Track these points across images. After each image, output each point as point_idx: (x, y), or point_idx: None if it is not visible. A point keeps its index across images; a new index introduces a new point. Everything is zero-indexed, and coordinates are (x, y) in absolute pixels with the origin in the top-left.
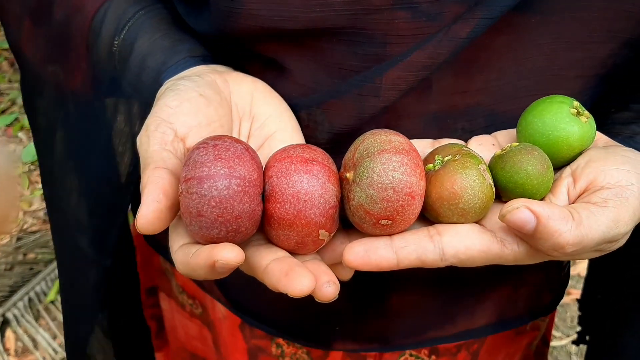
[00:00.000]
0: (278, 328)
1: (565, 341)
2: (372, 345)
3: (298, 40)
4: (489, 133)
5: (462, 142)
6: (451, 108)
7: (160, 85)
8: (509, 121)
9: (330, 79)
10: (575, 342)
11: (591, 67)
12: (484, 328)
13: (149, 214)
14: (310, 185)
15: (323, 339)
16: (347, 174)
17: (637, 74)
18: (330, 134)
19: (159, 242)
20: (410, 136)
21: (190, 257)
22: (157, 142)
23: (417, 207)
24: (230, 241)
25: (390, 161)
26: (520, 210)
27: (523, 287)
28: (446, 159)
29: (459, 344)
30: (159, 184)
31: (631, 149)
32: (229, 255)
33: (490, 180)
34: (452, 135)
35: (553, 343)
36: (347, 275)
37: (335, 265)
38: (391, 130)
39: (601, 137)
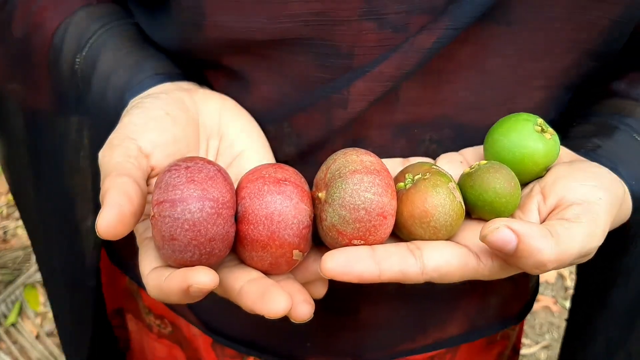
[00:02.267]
0: (249, 346)
1: (535, 348)
2: None
3: (264, 52)
4: (457, 143)
5: (431, 161)
6: (418, 118)
7: (125, 104)
8: (476, 132)
9: (297, 91)
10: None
11: (555, 77)
12: (455, 338)
13: (111, 217)
14: (283, 206)
15: (295, 355)
16: (319, 194)
17: (598, 84)
18: (298, 146)
19: (124, 259)
20: (379, 146)
21: (163, 281)
22: (120, 154)
23: (389, 226)
24: (204, 264)
25: (362, 182)
26: (501, 230)
27: (493, 296)
28: (416, 177)
29: (432, 355)
30: (122, 189)
31: (595, 163)
32: (203, 279)
33: (460, 198)
34: (420, 146)
35: (523, 351)
36: (321, 293)
37: (308, 283)
38: (362, 150)
39: (566, 153)
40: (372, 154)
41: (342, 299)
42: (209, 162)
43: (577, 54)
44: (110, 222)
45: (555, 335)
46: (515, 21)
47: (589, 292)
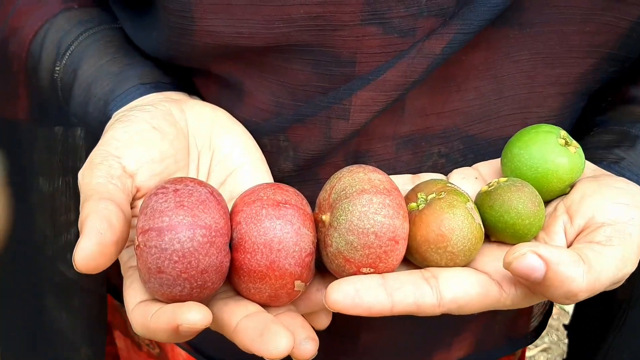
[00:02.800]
0: None
1: (534, 351)
2: None
3: (258, 59)
4: (467, 157)
5: (443, 177)
6: (426, 130)
7: (108, 116)
8: (487, 144)
9: (294, 101)
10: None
11: (571, 84)
12: None
13: (90, 248)
14: (283, 232)
15: None
16: (323, 216)
17: (614, 89)
18: (296, 160)
19: (110, 280)
20: (383, 161)
21: (150, 318)
22: (101, 174)
23: (401, 252)
24: (195, 298)
25: (371, 203)
26: (527, 256)
27: (501, 316)
28: (430, 197)
29: None
30: (103, 214)
31: (622, 178)
32: (194, 317)
33: (479, 220)
34: (428, 160)
35: None
36: (324, 324)
37: (310, 314)
38: (369, 167)
39: (588, 165)
40: (380, 172)
41: (342, 321)
42: (200, 183)
43: (594, 59)
44: (89, 253)
45: (554, 338)
46: (529, 24)
47: (602, 313)
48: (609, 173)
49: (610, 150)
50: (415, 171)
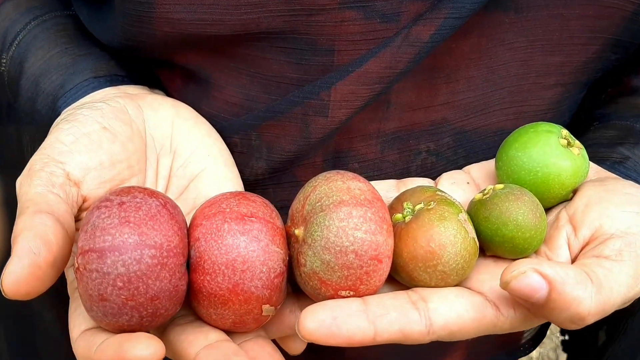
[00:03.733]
0: None
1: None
2: None
3: (226, 49)
4: (458, 154)
5: (432, 183)
6: (413, 126)
7: (58, 114)
8: (480, 140)
9: (267, 95)
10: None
11: (571, 73)
12: None
13: (20, 271)
14: (248, 250)
15: None
16: (296, 231)
17: (617, 81)
18: (269, 162)
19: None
20: (366, 161)
21: (95, 352)
22: (41, 183)
23: (384, 271)
24: (146, 327)
25: (350, 217)
26: (528, 275)
27: None
28: (418, 207)
29: None
30: (38, 231)
31: (630, 182)
32: (143, 352)
33: (473, 234)
34: (416, 159)
35: None
36: (299, 349)
37: (283, 338)
38: (349, 173)
39: (590, 166)
40: (361, 179)
41: None
42: (152, 193)
43: (597, 45)
44: (19, 277)
45: (546, 332)
46: (526, 8)
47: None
48: (615, 175)
49: (614, 148)
50: (402, 171)
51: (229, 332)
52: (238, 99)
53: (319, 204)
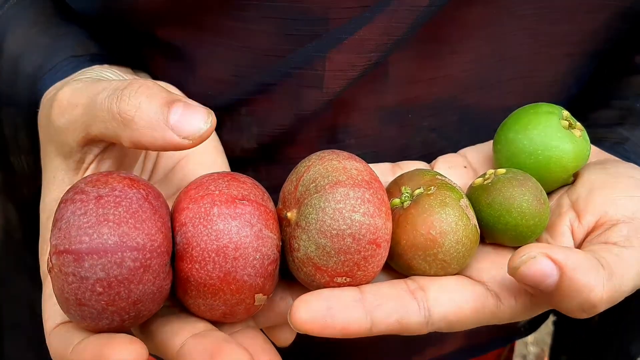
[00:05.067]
0: None
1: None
2: None
3: (211, 20)
4: (461, 130)
5: (428, 167)
6: (414, 100)
7: (39, 96)
8: (484, 116)
9: (255, 67)
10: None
11: (580, 43)
12: (454, 353)
13: None
14: (241, 235)
15: None
16: (288, 214)
17: (624, 54)
18: (260, 139)
19: None
20: (364, 137)
21: (70, 353)
22: None
23: (382, 257)
24: (127, 329)
25: (348, 198)
26: (538, 260)
27: None
28: (417, 191)
29: None
30: None
31: (632, 165)
32: (125, 357)
33: (474, 220)
34: (417, 136)
35: None
36: (289, 340)
37: (272, 328)
38: (344, 153)
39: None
40: (358, 159)
41: None
42: (131, 183)
43: (606, 13)
44: None
45: (548, 317)
46: None
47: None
48: (615, 158)
49: (613, 129)
50: (402, 148)
51: (216, 324)
52: (225, 75)
53: (314, 184)
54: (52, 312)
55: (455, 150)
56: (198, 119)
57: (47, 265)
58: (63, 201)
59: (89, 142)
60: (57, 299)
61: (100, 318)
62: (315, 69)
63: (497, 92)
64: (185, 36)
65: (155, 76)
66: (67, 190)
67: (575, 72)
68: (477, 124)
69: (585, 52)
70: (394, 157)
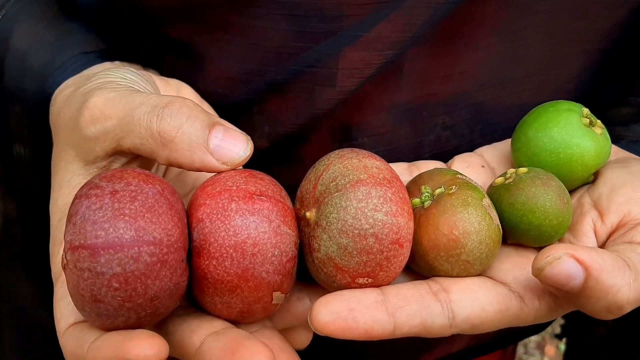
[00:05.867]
0: None
1: None
2: None
3: (220, 18)
4: (474, 129)
5: (445, 166)
6: (428, 97)
7: (48, 95)
8: (498, 113)
9: (267, 66)
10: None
11: (595, 40)
12: (463, 352)
13: None
14: (259, 231)
15: None
16: (307, 213)
17: (632, 54)
18: (272, 138)
19: None
20: (377, 135)
21: (87, 351)
22: None
23: (405, 257)
24: (143, 326)
25: (370, 197)
26: (564, 261)
27: None
28: (438, 191)
29: None
30: None
31: None
32: (147, 352)
33: (497, 220)
34: (430, 134)
35: None
36: (305, 342)
37: (288, 330)
38: (364, 151)
39: None
40: (377, 157)
41: None
42: (147, 179)
43: (622, 10)
44: None
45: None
46: None
47: None
48: (635, 156)
49: (628, 127)
50: (415, 146)
51: (233, 324)
52: (235, 73)
53: (334, 183)
54: (65, 312)
55: (468, 149)
56: (238, 146)
57: (62, 262)
58: (77, 197)
59: (118, 152)
60: (71, 296)
61: (116, 315)
62: (328, 67)
63: (512, 89)
64: (194, 33)
65: (162, 73)
66: (82, 186)
67: (590, 70)
68: (491, 122)
69: (601, 49)
70: (407, 155)
